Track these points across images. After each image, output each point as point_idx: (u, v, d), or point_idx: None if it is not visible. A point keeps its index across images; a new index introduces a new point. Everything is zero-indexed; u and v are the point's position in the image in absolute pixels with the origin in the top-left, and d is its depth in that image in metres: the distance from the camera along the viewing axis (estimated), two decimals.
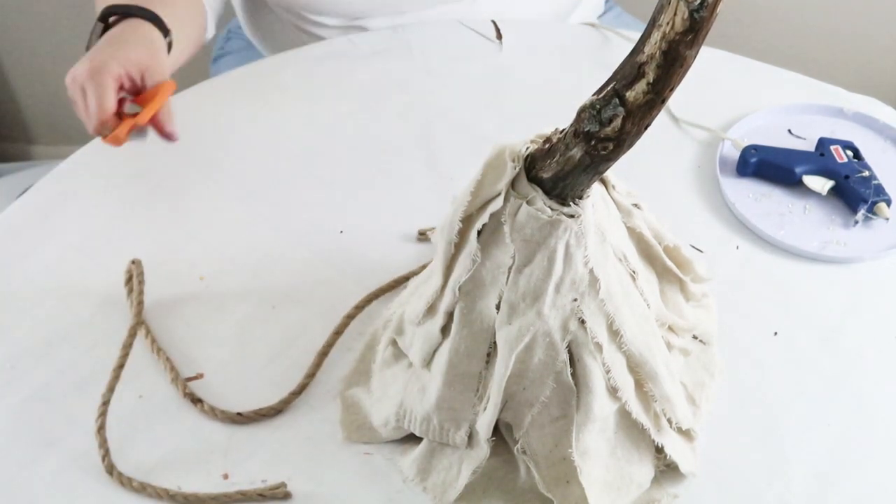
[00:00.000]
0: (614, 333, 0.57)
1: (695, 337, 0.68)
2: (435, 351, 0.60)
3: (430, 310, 0.59)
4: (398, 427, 0.62)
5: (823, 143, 0.86)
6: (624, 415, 0.60)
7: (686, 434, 0.63)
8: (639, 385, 0.60)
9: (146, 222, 0.80)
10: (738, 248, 0.79)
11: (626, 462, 0.61)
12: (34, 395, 0.67)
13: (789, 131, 0.91)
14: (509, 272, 0.55)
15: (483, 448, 0.59)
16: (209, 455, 0.63)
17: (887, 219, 0.81)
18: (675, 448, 0.61)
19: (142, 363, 0.69)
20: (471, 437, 0.60)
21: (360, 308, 0.72)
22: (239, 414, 0.65)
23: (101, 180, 0.82)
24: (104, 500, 0.61)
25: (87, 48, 0.82)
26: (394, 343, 0.66)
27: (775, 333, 0.72)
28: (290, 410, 0.66)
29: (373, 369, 0.67)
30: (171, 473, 0.62)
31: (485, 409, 0.58)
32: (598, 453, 0.60)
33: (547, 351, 0.56)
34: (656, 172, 0.86)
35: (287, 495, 0.61)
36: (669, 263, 0.65)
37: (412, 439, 0.63)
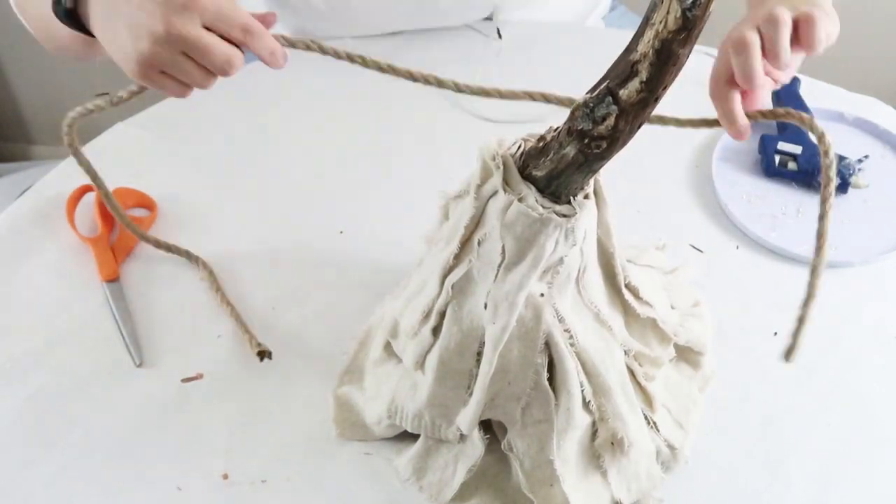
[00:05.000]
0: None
1: (689, 347, 0.67)
2: (427, 353, 0.60)
3: (426, 317, 0.59)
4: (391, 425, 0.62)
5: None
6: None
7: (674, 454, 0.63)
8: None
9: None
10: (737, 248, 0.79)
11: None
12: (34, 395, 0.67)
13: None
14: (498, 270, 0.55)
15: (478, 446, 0.59)
16: (209, 455, 0.63)
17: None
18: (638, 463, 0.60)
19: (148, 363, 0.69)
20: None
21: None
22: None
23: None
24: (104, 501, 0.61)
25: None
26: (387, 344, 0.66)
27: (775, 333, 0.72)
28: (289, 411, 0.66)
29: (366, 367, 0.67)
30: (171, 474, 0.62)
31: (466, 404, 0.58)
32: (577, 461, 0.59)
33: (525, 342, 0.56)
34: (655, 173, 0.86)
35: None
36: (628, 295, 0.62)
37: (408, 438, 0.63)
